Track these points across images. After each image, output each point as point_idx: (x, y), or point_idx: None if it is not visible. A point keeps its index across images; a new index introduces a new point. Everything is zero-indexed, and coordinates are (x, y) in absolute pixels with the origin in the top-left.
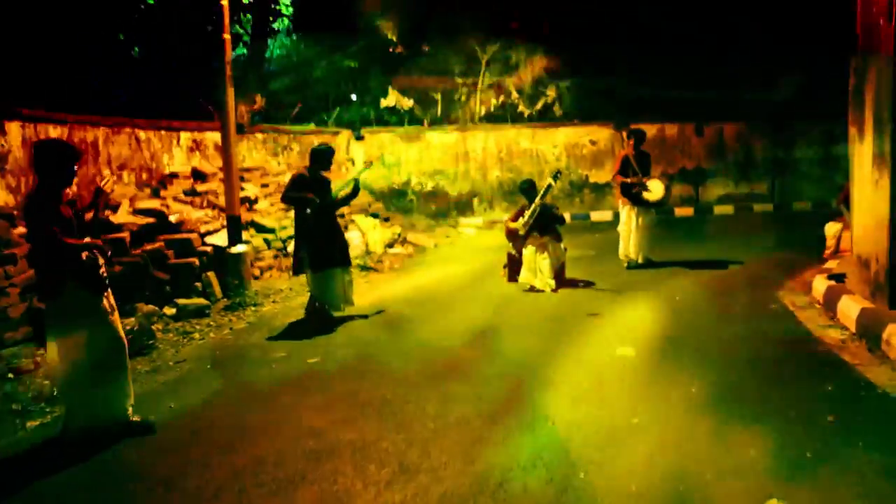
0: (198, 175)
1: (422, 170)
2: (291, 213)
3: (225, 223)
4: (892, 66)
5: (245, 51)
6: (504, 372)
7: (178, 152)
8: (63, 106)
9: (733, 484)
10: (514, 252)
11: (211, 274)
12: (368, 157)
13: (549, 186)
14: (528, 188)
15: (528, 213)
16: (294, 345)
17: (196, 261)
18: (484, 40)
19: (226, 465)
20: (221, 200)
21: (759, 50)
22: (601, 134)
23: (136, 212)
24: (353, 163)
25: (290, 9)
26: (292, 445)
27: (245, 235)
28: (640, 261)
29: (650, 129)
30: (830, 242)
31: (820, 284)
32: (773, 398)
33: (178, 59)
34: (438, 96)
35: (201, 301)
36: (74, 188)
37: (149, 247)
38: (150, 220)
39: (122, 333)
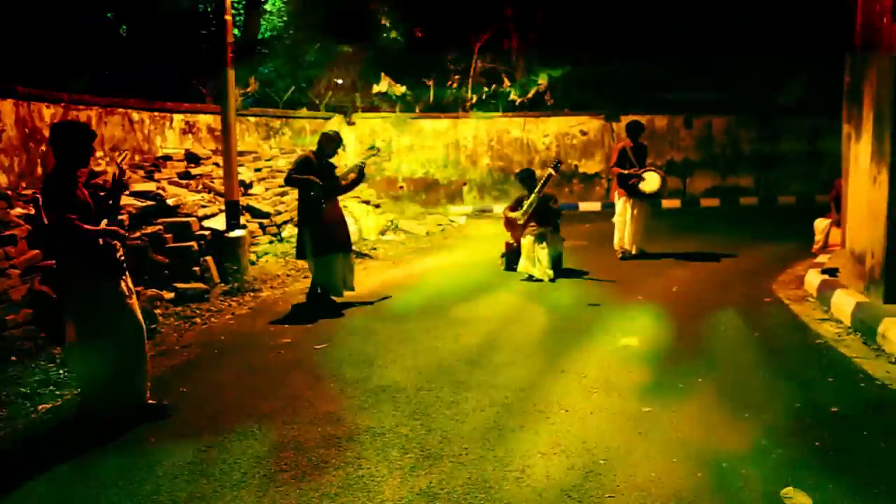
0: (192, 158)
1: (413, 157)
2: (286, 199)
3: (222, 207)
4: (894, 64)
5: (237, 32)
6: (511, 360)
7: (171, 134)
8: (53, 85)
9: (750, 471)
10: (512, 241)
11: (209, 258)
12: (372, 142)
13: (550, 176)
14: (526, 177)
15: (527, 203)
16: (299, 331)
17: (195, 245)
18: (476, 27)
19: (247, 450)
20: (217, 184)
21: (754, 49)
22: (592, 124)
23: (133, 194)
24: (345, 148)
25: None
26: (310, 431)
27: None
28: (634, 252)
29: (640, 121)
30: (819, 237)
31: (813, 278)
32: (777, 389)
33: (169, 40)
34: (431, 83)
35: (200, 286)
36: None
37: (148, 230)
38: (149, 202)
39: (141, 317)
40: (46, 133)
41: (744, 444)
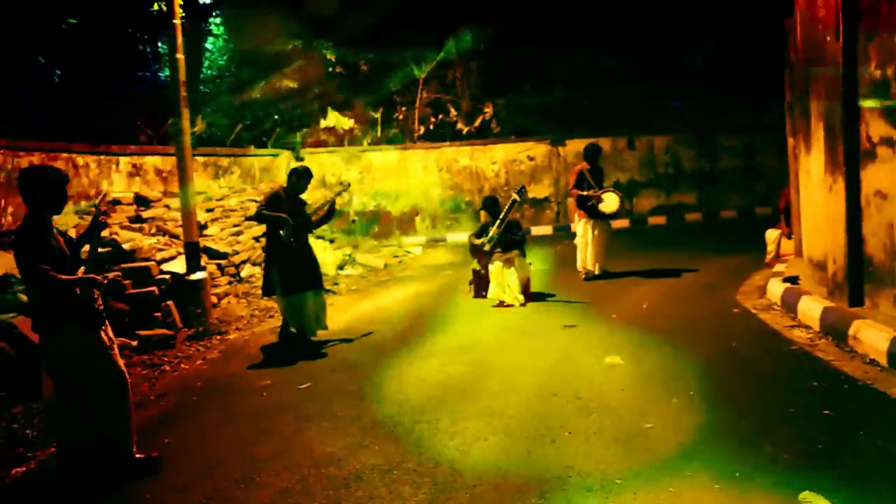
0: (141, 201)
1: (363, 190)
2: (242, 238)
3: (180, 250)
4: (840, 77)
5: None
6: (501, 387)
7: (117, 178)
8: None
9: (764, 479)
10: (479, 268)
11: (170, 303)
12: (322, 177)
13: (514, 202)
14: (490, 205)
15: (493, 230)
16: (278, 371)
17: (156, 290)
18: (420, 58)
19: (252, 499)
20: (171, 226)
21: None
22: (538, 150)
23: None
24: (274, 186)
25: (222, 28)
26: (314, 474)
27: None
28: (597, 272)
29: (584, 144)
30: (771, 248)
31: (776, 287)
32: (767, 396)
33: (107, 81)
34: (378, 116)
35: (165, 331)
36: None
37: (107, 276)
38: (105, 248)
39: (124, 367)
40: None
41: (752, 453)
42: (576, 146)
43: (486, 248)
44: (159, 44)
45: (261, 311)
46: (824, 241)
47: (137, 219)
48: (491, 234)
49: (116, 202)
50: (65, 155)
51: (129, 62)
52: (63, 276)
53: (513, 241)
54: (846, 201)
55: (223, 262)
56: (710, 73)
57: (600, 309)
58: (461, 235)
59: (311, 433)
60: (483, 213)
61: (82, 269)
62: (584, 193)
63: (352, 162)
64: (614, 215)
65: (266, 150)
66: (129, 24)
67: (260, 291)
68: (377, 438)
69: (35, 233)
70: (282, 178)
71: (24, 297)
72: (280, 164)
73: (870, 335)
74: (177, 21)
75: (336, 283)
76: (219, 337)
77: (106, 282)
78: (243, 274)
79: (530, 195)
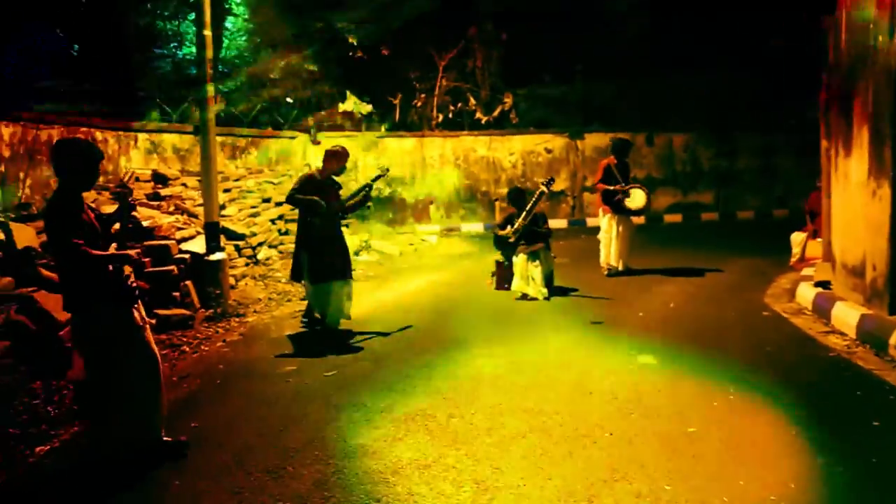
0: (159, 178)
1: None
2: (259, 219)
3: (199, 229)
4: (893, 78)
5: (195, 49)
6: (534, 382)
7: (135, 154)
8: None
9: (822, 493)
10: (502, 260)
11: (189, 283)
12: (382, 164)
13: (542, 194)
14: (515, 196)
15: (518, 221)
16: (301, 358)
17: (175, 269)
18: (440, 46)
19: (287, 490)
20: (188, 205)
21: (706, 62)
22: (556, 142)
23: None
24: (310, 168)
25: (242, 7)
26: (349, 467)
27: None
28: (620, 268)
29: (603, 139)
30: (796, 250)
31: (807, 292)
32: (813, 406)
33: (126, 58)
34: (397, 102)
35: (184, 311)
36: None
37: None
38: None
39: (156, 349)
40: (6, 153)
41: (799, 462)
42: (594, 140)
43: (512, 239)
44: (177, 22)
45: (278, 295)
46: (862, 247)
47: (155, 196)
48: (517, 225)
49: (135, 179)
50: (84, 129)
51: (148, 39)
52: (96, 252)
53: (538, 233)
54: (892, 207)
55: (240, 243)
56: (732, 71)
57: (625, 306)
58: (476, 225)
59: (342, 423)
60: (498, 205)
61: (114, 245)
62: (611, 188)
63: (368, 147)
64: (640, 212)
65: (284, 132)
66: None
67: (277, 274)
68: (410, 431)
69: (67, 206)
70: (298, 161)
71: (45, 272)
72: (297, 147)
73: None
74: None
75: (353, 269)
76: (237, 319)
77: (139, 258)
78: (260, 256)
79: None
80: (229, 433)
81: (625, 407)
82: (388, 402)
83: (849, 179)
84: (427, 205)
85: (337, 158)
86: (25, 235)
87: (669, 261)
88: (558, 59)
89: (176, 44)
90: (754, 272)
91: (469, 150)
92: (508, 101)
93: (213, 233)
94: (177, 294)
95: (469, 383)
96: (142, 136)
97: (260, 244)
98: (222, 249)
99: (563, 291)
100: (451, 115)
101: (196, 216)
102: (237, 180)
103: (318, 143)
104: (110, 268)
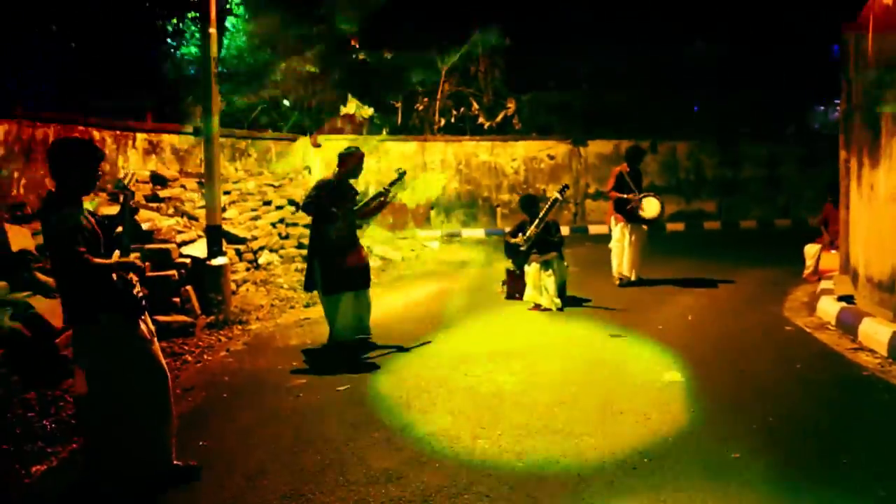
0: (158, 179)
1: (380, 180)
2: (260, 223)
3: (199, 233)
4: None
5: (195, 49)
6: (559, 400)
7: (133, 154)
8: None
9: None
10: (513, 268)
11: (189, 288)
12: (398, 167)
13: (556, 201)
14: (527, 203)
15: (531, 229)
16: (311, 370)
17: (175, 273)
18: (443, 50)
19: None
20: (188, 207)
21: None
22: (559, 149)
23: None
24: (310, 171)
25: (242, 8)
26: (375, 494)
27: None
28: (633, 278)
29: (606, 146)
30: (810, 262)
31: (829, 306)
32: (858, 430)
33: (124, 56)
34: (399, 105)
35: (185, 318)
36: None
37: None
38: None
39: (164, 364)
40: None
41: (861, 496)
42: (597, 147)
43: (523, 247)
44: (176, 20)
45: (281, 301)
46: (891, 261)
47: (154, 198)
48: (529, 233)
49: (135, 180)
50: (81, 128)
51: (146, 37)
52: (99, 260)
53: (551, 242)
54: None
55: (241, 247)
56: (737, 80)
57: (643, 318)
58: (477, 231)
59: (362, 443)
60: (499, 210)
61: (117, 252)
62: (625, 197)
63: (370, 151)
64: (653, 221)
65: (283, 134)
66: None
67: (278, 280)
68: (436, 454)
69: (66, 211)
70: (297, 163)
71: (41, 277)
72: (297, 149)
73: None
74: None
75: None
76: (240, 327)
77: (145, 266)
78: (261, 261)
79: (549, 194)
80: (240, 453)
81: (660, 430)
82: (407, 420)
83: (875, 191)
84: (427, 210)
85: (352, 160)
86: (20, 237)
87: (679, 271)
88: (563, 65)
89: (175, 43)
90: (768, 284)
91: (471, 155)
92: (511, 106)
93: (216, 237)
94: (177, 300)
95: (491, 400)
96: (140, 136)
97: (261, 248)
98: (224, 254)
99: (577, 302)
100: (453, 120)
101: (196, 219)
102: (237, 182)
103: (319, 145)
104: (114, 276)
